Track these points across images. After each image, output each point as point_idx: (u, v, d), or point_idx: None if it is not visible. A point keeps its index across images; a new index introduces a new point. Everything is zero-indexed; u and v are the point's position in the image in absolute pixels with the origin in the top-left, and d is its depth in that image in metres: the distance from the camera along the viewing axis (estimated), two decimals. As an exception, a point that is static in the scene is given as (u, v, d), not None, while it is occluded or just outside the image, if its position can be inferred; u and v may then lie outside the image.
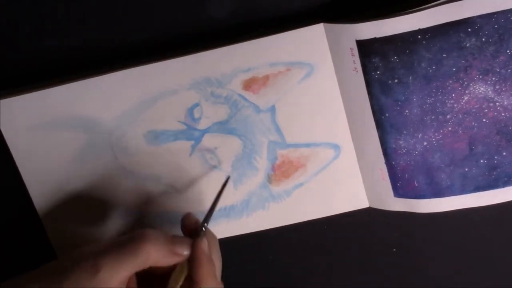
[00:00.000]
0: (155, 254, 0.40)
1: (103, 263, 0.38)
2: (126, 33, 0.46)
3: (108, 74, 0.45)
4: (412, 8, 0.41)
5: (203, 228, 0.43)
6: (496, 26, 0.41)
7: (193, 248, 0.41)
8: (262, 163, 0.48)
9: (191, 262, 0.41)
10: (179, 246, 0.41)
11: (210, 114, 0.47)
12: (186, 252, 0.41)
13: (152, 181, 0.48)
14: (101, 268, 0.38)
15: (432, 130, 0.44)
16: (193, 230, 0.43)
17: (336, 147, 0.47)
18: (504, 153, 0.44)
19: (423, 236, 0.50)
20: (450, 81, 0.43)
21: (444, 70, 0.42)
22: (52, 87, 0.45)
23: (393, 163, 0.46)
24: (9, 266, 0.51)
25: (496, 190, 0.45)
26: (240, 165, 0.48)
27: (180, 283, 0.41)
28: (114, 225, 0.49)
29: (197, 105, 0.46)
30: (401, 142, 0.45)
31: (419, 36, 0.42)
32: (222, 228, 0.49)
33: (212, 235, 0.44)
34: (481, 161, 0.45)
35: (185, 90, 0.46)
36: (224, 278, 0.53)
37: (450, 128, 0.44)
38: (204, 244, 0.42)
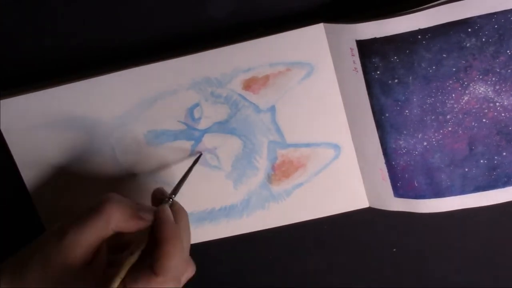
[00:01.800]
0: (118, 216, 0.40)
1: (68, 228, 0.39)
2: (126, 33, 0.46)
3: (108, 74, 0.45)
4: (412, 8, 0.41)
5: (170, 200, 0.43)
6: (496, 26, 0.41)
7: (156, 212, 0.41)
8: (262, 163, 0.48)
9: (154, 226, 0.40)
10: (144, 211, 0.41)
11: (210, 114, 0.47)
12: (150, 217, 0.41)
13: (152, 180, 0.48)
14: (66, 233, 0.39)
15: (432, 130, 0.44)
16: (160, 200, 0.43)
17: (336, 147, 0.47)
18: (504, 153, 0.44)
19: (423, 236, 0.51)
20: (450, 81, 0.43)
21: (444, 70, 0.42)
22: (52, 87, 0.46)
23: (393, 163, 0.46)
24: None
25: (496, 190, 0.45)
26: (240, 165, 0.48)
27: (142, 247, 0.40)
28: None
29: (197, 105, 0.46)
30: (401, 142, 0.45)
31: (419, 36, 0.42)
32: (222, 227, 0.49)
33: (179, 207, 0.43)
34: (481, 161, 0.45)
35: (185, 90, 0.46)
36: (224, 277, 0.53)
37: (450, 128, 0.44)
38: (167, 210, 0.41)
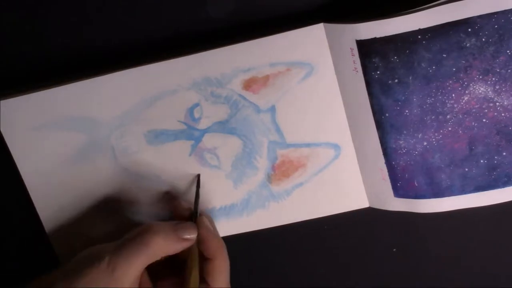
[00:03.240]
0: (164, 244, 0.41)
1: (118, 262, 0.40)
2: (126, 33, 0.46)
3: (108, 74, 0.45)
4: (412, 8, 0.41)
5: (197, 211, 0.45)
6: (496, 26, 0.41)
7: (198, 228, 0.43)
8: (262, 162, 0.48)
9: (200, 242, 0.43)
10: (185, 231, 0.43)
11: (210, 114, 0.47)
12: (193, 235, 0.43)
13: (152, 180, 0.48)
14: (116, 266, 0.40)
15: (432, 130, 0.44)
16: (187, 216, 0.46)
17: (336, 147, 0.47)
18: (504, 153, 0.44)
19: (423, 236, 0.51)
20: (450, 81, 0.43)
21: (444, 70, 0.42)
22: (52, 87, 0.45)
23: (393, 163, 0.46)
24: (9, 266, 0.51)
25: (496, 190, 0.45)
26: (240, 165, 0.48)
27: (197, 268, 0.43)
28: (114, 224, 0.49)
29: (197, 105, 0.46)
30: (401, 142, 0.45)
31: (419, 36, 0.42)
32: (222, 227, 0.49)
33: (207, 215, 0.47)
34: (481, 161, 0.45)
35: (185, 90, 0.46)
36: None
37: (450, 128, 0.44)
38: (206, 222, 0.44)
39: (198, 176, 0.48)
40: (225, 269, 0.43)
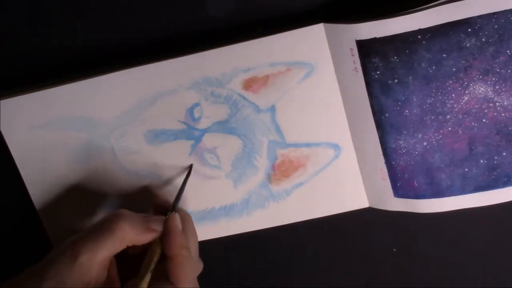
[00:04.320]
0: (130, 232, 0.41)
1: (81, 247, 0.39)
2: (126, 33, 0.46)
3: (108, 74, 0.45)
4: (412, 8, 0.41)
5: (174, 207, 0.45)
6: (496, 26, 0.41)
7: (165, 222, 0.43)
8: (262, 162, 0.48)
9: (164, 236, 0.42)
10: (153, 222, 0.42)
11: (210, 114, 0.47)
12: (160, 227, 0.42)
13: (152, 180, 0.48)
14: (79, 252, 0.39)
15: (432, 130, 0.44)
16: (165, 209, 0.45)
17: (336, 147, 0.47)
18: (504, 153, 0.44)
19: (423, 236, 0.50)
20: (450, 81, 0.43)
21: (444, 70, 0.42)
22: (52, 87, 0.46)
23: (393, 163, 0.46)
24: (9, 266, 0.51)
25: (496, 190, 0.45)
26: (240, 165, 0.48)
27: (155, 260, 0.42)
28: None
29: (197, 104, 0.46)
30: (401, 142, 0.45)
31: (419, 36, 0.42)
32: (222, 227, 0.49)
33: (184, 213, 0.46)
34: (481, 161, 0.45)
35: (185, 90, 0.46)
36: (223, 277, 0.53)
37: (450, 128, 0.44)
38: (176, 218, 0.43)
39: (191, 166, 0.47)
40: (186, 267, 0.41)
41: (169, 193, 0.48)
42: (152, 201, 0.47)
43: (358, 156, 0.47)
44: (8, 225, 0.50)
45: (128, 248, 0.42)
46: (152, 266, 0.41)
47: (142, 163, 0.48)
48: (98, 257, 0.40)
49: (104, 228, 0.40)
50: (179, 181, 0.48)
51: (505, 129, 0.44)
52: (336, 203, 0.49)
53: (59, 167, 0.47)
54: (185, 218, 0.45)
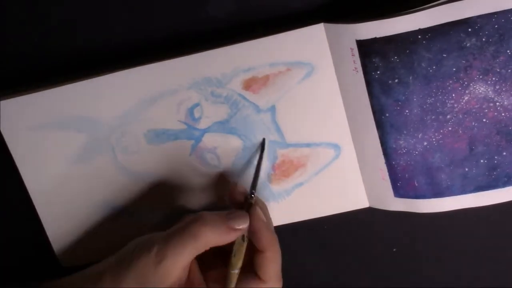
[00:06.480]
0: (213, 236, 0.41)
1: (166, 252, 0.40)
2: (126, 33, 0.46)
3: (108, 74, 0.45)
4: (412, 8, 0.41)
5: (252, 196, 0.44)
6: (496, 26, 0.41)
7: (250, 219, 0.42)
8: (262, 162, 0.48)
9: (252, 233, 0.42)
10: (236, 221, 0.42)
11: (210, 114, 0.47)
12: (244, 225, 0.42)
13: (152, 180, 0.48)
14: (165, 256, 0.40)
15: (432, 130, 0.44)
16: (243, 201, 0.44)
17: (336, 147, 0.47)
18: (504, 153, 0.44)
19: (423, 236, 0.51)
20: (450, 81, 0.43)
21: (444, 70, 0.42)
22: (52, 87, 0.46)
23: (393, 163, 0.46)
24: (9, 266, 0.51)
25: (496, 190, 0.45)
26: (240, 165, 0.48)
27: (241, 258, 0.42)
28: (114, 224, 0.49)
29: (197, 104, 0.46)
30: (401, 142, 0.45)
31: (419, 36, 0.42)
32: (223, 227, 0.49)
33: (262, 203, 0.45)
34: (481, 161, 0.45)
35: (185, 90, 0.46)
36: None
37: (450, 128, 0.44)
38: (259, 213, 0.43)
39: (263, 140, 0.47)
40: (276, 262, 0.42)
41: (171, 191, 0.48)
42: (229, 192, 0.46)
43: (358, 156, 0.47)
44: (8, 225, 0.50)
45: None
46: (240, 263, 0.42)
47: (143, 163, 0.48)
48: (182, 261, 0.40)
49: (187, 233, 0.40)
50: (180, 180, 0.48)
51: (505, 129, 0.44)
52: (336, 203, 0.49)
53: (59, 167, 0.47)
54: (264, 207, 0.45)
